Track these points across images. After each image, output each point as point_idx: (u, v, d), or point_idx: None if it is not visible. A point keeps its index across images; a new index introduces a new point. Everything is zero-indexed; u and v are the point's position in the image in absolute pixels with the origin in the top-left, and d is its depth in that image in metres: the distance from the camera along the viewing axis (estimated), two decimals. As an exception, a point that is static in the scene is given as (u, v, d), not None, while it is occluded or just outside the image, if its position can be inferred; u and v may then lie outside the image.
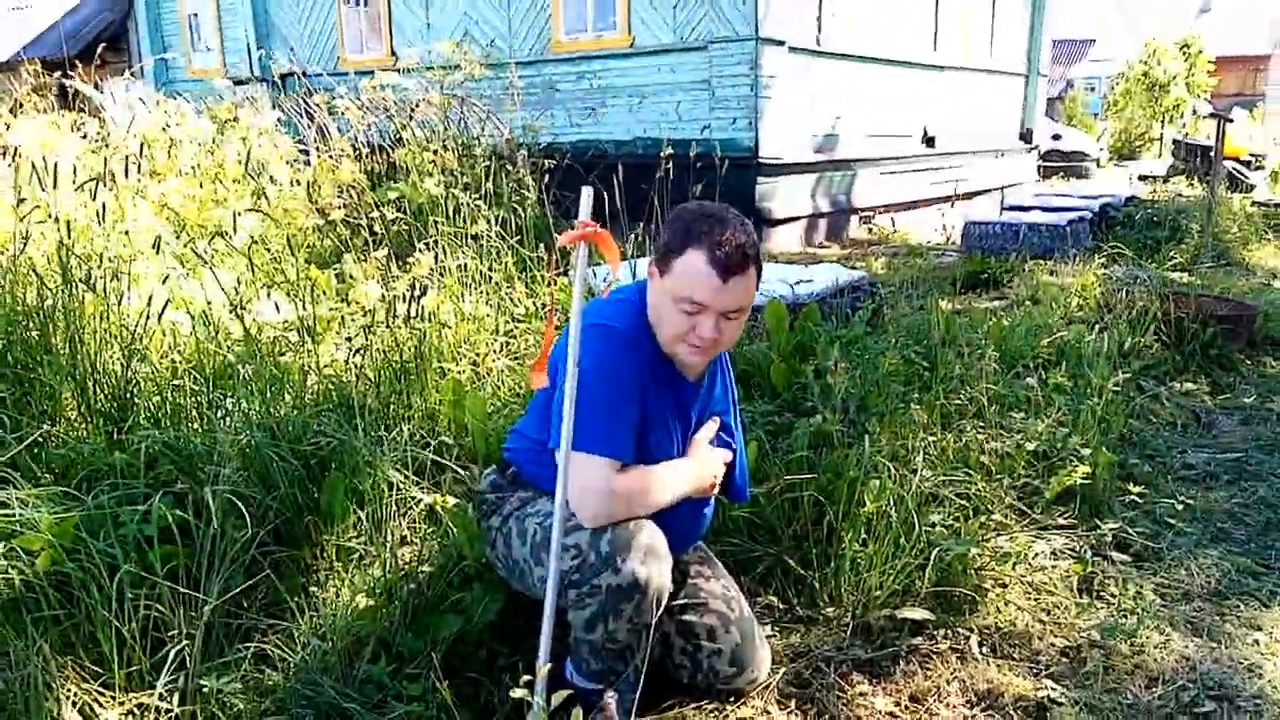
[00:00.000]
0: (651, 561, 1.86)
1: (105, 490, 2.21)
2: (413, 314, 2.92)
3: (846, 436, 2.95)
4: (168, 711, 1.91)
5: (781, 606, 2.56)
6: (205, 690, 1.95)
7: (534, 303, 3.80)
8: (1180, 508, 3.03)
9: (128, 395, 2.69)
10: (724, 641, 2.15)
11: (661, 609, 1.93)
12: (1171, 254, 7.30)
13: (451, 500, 2.36)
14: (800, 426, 2.97)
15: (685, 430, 2.09)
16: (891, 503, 2.57)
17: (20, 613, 1.93)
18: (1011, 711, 2.17)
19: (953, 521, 2.67)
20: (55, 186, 2.97)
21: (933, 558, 2.52)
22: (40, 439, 2.43)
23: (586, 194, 1.85)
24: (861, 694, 2.24)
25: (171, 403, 2.71)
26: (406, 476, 2.45)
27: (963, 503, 2.74)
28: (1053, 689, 2.26)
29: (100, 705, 1.90)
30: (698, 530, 2.26)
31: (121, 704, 1.90)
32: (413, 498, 2.42)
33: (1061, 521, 2.97)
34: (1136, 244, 7.86)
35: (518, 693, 1.37)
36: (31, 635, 1.89)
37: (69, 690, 1.87)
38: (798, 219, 9.04)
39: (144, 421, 2.60)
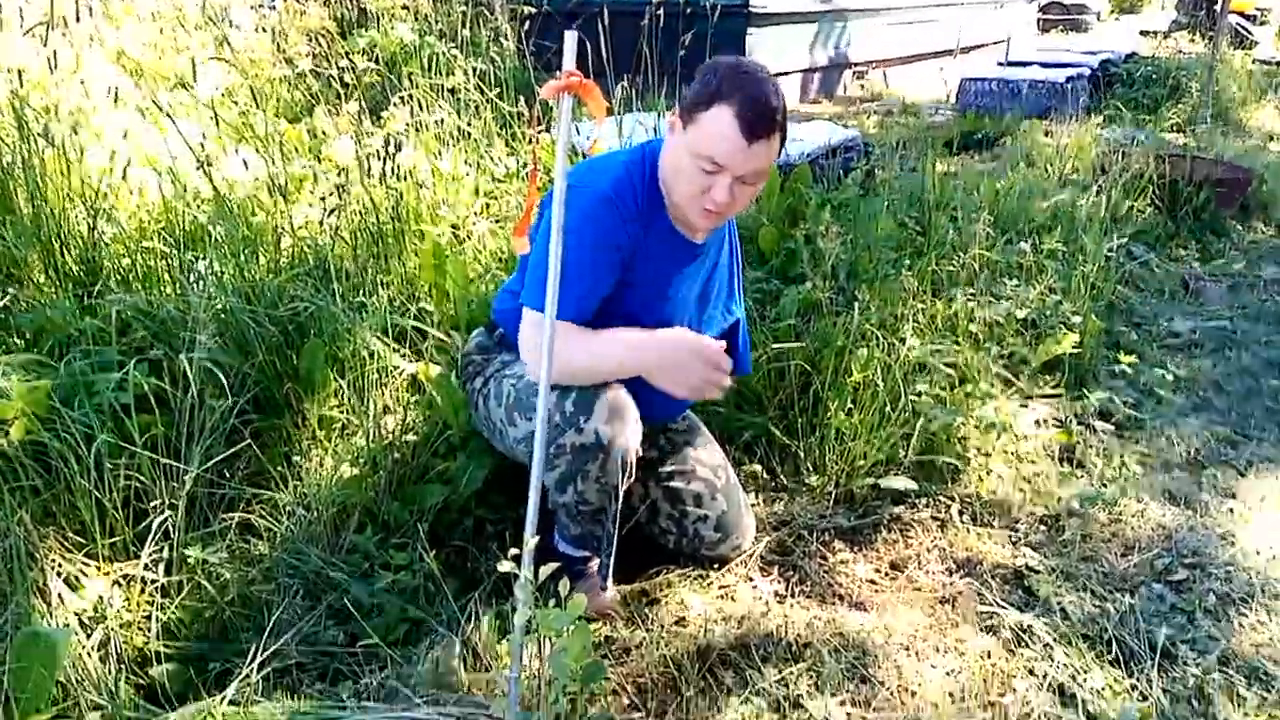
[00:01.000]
0: (615, 421, 1.84)
1: (78, 357, 2.14)
2: (388, 172, 2.79)
3: (835, 304, 2.91)
4: (153, 581, 1.91)
5: (765, 475, 2.57)
6: (190, 560, 1.95)
7: (515, 161, 3.66)
8: (1165, 376, 3.03)
9: (96, 258, 2.59)
10: (710, 508, 2.16)
11: (629, 470, 1.91)
12: (1170, 114, 7.13)
13: (434, 369, 2.32)
14: (788, 294, 2.92)
15: (687, 293, 2.03)
16: (879, 372, 2.55)
17: (-4, 484, 1.89)
18: (989, 578, 2.22)
19: (939, 391, 2.67)
20: (1, 30, 2.77)
21: (918, 427, 2.52)
22: (7, 304, 2.34)
23: (570, 40, 1.71)
24: (843, 561, 2.28)
25: (142, 265, 2.61)
26: (387, 344, 2.39)
27: (949, 372, 2.72)
28: (1030, 556, 2.30)
29: (85, 575, 1.89)
30: (684, 400, 2.24)
31: (107, 574, 1.90)
32: (395, 366, 2.38)
33: (1047, 391, 2.97)
34: (1135, 102, 7.67)
35: (505, 566, 1.36)
36: (10, 506, 1.86)
37: (53, 560, 1.86)
38: (790, 73, 8.72)
39: (114, 285, 2.50)
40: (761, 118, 1.75)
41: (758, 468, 2.57)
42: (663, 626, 2.01)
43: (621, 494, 1.95)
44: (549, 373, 1.66)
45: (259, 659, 1.80)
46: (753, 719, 1.76)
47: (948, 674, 1.92)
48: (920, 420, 2.52)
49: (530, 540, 1.59)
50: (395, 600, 1.96)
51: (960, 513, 2.45)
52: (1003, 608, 2.10)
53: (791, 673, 1.87)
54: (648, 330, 1.89)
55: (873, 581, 2.22)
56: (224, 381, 2.10)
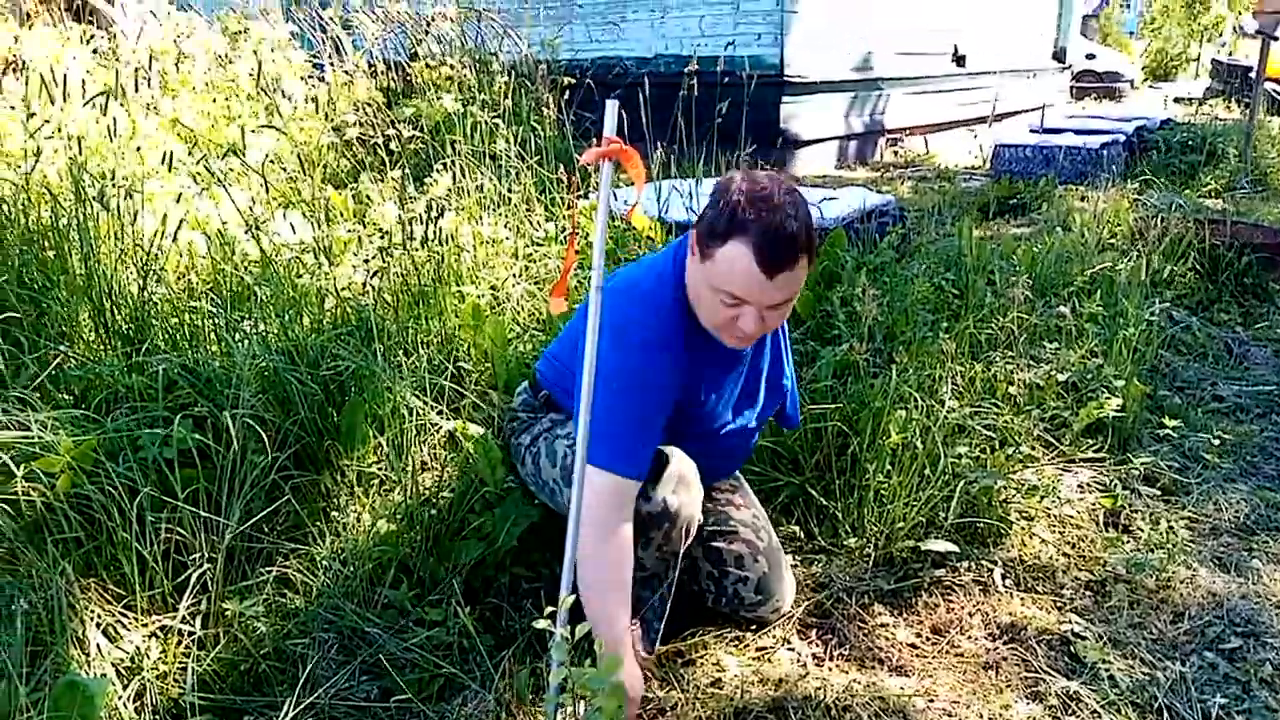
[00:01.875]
0: (682, 491, 1.85)
1: (124, 413, 2.19)
2: (430, 236, 2.85)
3: (872, 366, 2.90)
4: (190, 633, 1.92)
5: (803, 536, 2.55)
6: (228, 613, 1.96)
7: (554, 226, 3.72)
8: (1212, 441, 2.97)
9: (145, 317, 2.65)
10: (751, 570, 2.14)
11: (691, 538, 1.92)
12: (1207, 180, 7.10)
13: (472, 427, 2.34)
14: (825, 355, 2.92)
15: (729, 394, 2.02)
16: (917, 433, 2.53)
17: (42, 535, 1.92)
18: (1035, 644, 2.16)
19: (979, 453, 2.64)
20: (66, 100, 2.90)
21: (958, 490, 2.48)
22: (58, 361, 2.40)
23: (611, 108, 1.76)
24: (883, 625, 2.23)
25: (189, 325, 2.67)
26: (425, 402, 2.41)
27: (990, 434, 2.70)
28: (1077, 622, 2.24)
29: (125, 626, 1.90)
30: (737, 465, 2.24)
31: (145, 625, 1.91)
32: (432, 423, 2.40)
33: (1090, 455, 2.92)
34: (1171, 169, 7.65)
35: (541, 624, 1.35)
36: (54, 557, 1.89)
37: (93, 611, 1.88)
38: (824, 140, 8.84)
39: (162, 344, 2.56)
40: (781, 250, 1.66)
41: (795, 529, 2.54)
42: (698, 688, 1.98)
43: (680, 562, 1.96)
44: (584, 438, 1.68)
45: (293, 712, 1.79)
46: (791, 785, 1.72)
47: (992, 743, 1.86)
48: (960, 483, 2.49)
49: (566, 599, 1.58)
50: (429, 656, 1.95)
51: (1003, 577, 2.40)
52: (1049, 674, 2.04)
53: (830, 738, 1.83)
54: (625, 647, 1.78)
55: (914, 646, 2.17)
56: (265, 437, 2.13)
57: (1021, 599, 2.33)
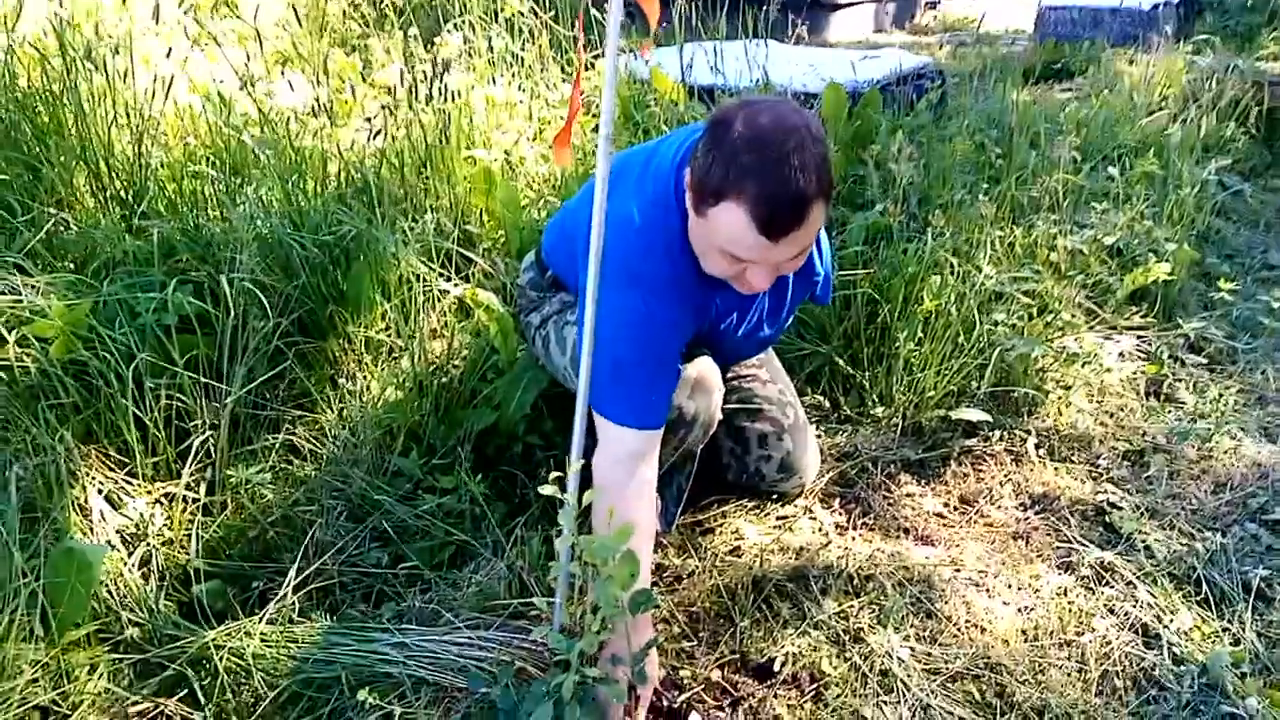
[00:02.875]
0: (699, 395, 1.74)
1: (121, 279, 2.10)
2: (436, 94, 2.69)
3: (906, 231, 2.74)
4: (194, 500, 1.87)
5: (829, 406, 2.45)
6: (233, 480, 1.91)
7: (570, 87, 3.53)
8: (1272, 306, 2.82)
9: (142, 181, 2.55)
10: (775, 449, 2.05)
11: (709, 437, 1.82)
12: (1267, 42, 6.67)
13: (483, 293, 2.23)
14: (856, 220, 2.76)
15: (762, 295, 1.79)
16: (952, 300, 2.40)
17: (38, 402, 1.86)
18: (1067, 514, 2.07)
19: (1016, 321, 2.50)
20: (47, -47, 2.72)
21: (993, 358, 2.37)
22: (52, 226, 2.31)
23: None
24: (909, 494, 2.16)
25: (189, 189, 2.56)
26: (432, 269, 2.31)
27: (1029, 301, 2.56)
28: (1112, 492, 2.15)
29: (128, 494, 1.86)
30: (764, 349, 2.11)
31: (149, 493, 1.87)
32: (441, 290, 2.30)
33: (1134, 322, 2.78)
34: (1228, 31, 7.20)
35: (547, 489, 1.27)
36: (51, 424, 1.84)
37: (94, 478, 1.83)
38: (859, 3, 8.39)
39: (161, 210, 2.46)
40: (784, 212, 1.38)
41: (821, 398, 2.45)
42: (716, 556, 1.92)
43: (699, 454, 1.86)
44: (590, 319, 1.56)
45: (300, 579, 1.76)
46: (810, 651, 1.67)
47: (1020, 611, 1.80)
48: (996, 351, 2.37)
49: (575, 463, 1.50)
50: (440, 524, 1.90)
51: (1037, 447, 2.30)
52: (1081, 544, 1.96)
53: (852, 606, 1.77)
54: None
55: (940, 515, 2.10)
56: (266, 303, 2.04)
57: (1055, 469, 2.24)
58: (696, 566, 1.87)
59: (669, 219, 1.59)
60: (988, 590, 1.85)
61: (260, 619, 1.64)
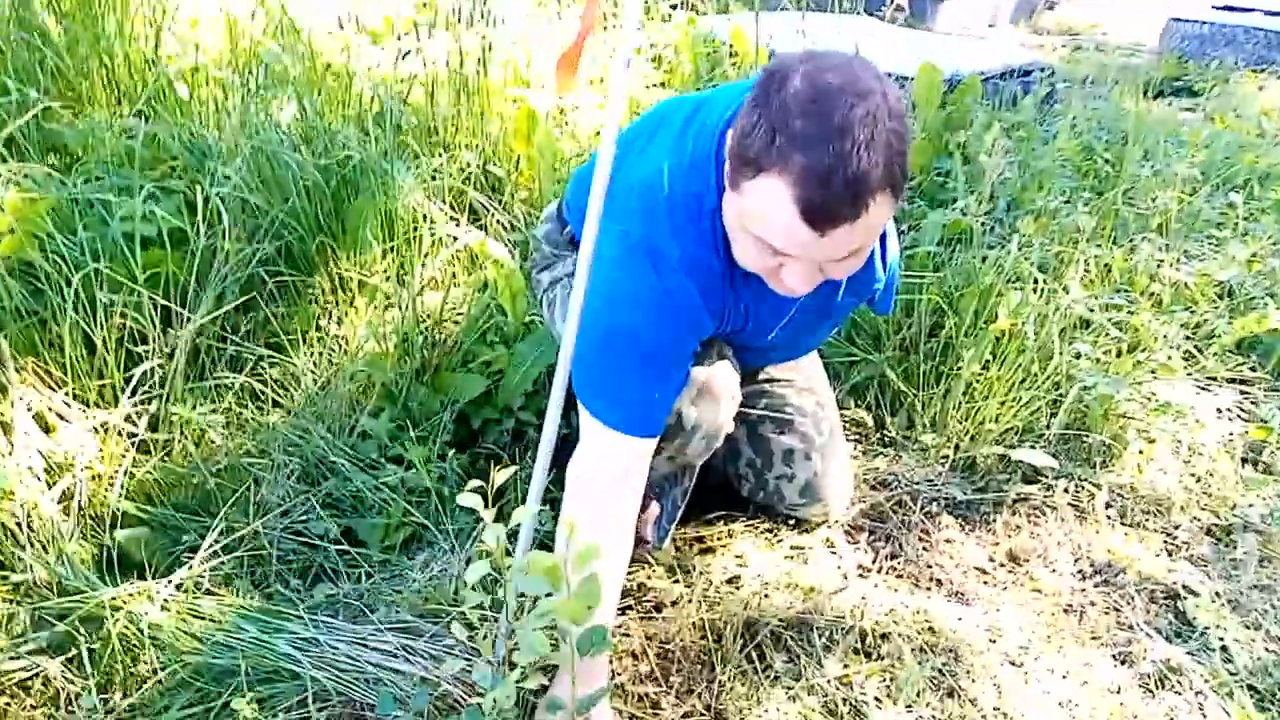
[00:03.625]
0: (704, 403, 1.45)
1: (95, 177, 1.89)
2: (484, 15, 2.43)
3: (988, 236, 2.41)
4: (134, 436, 1.66)
5: (871, 424, 2.15)
6: (179, 418, 1.69)
7: (644, 37, 3.24)
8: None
9: (155, 81, 2.33)
10: (800, 469, 1.76)
11: (710, 452, 1.53)
12: None
13: (495, 246, 1.97)
14: (932, 218, 2.44)
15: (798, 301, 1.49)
16: (1030, 322, 2.08)
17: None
18: (1133, 592, 1.76)
19: (1102, 355, 2.17)
20: None
21: (1069, 395, 2.04)
22: (46, 115, 2.11)
23: None
24: (949, 541, 1.86)
25: (203, 96, 2.35)
26: (446, 213, 2.06)
27: (1119, 334, 2.22)
28: (1189, 573, 1.82)
29: (62, 418, 1.66)
30: (802, 354, 1.81)
31: (85, 417, 1.66)
32: (450, 237, 2.04)
33: (1240, 375, 2.41)
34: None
35: (466, 499, 1.02)
36: (-14, 326, 1.64)
37: (24, 394, 1.63)
38: (972, -4, 7.89)
39: (165, 113, 2.25)
40: (836, 197, 1.08)
41: (864, 414, 2.15)
42: (711, 584, 1.65)
43: (698, 470, 1.58)
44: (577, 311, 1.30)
45: (234, 538, 1.54)
46: (800, 720, 1.39)
47: (1062, 706, 1.50)
48: (1073, 386, 2.05)
49: (532, 507, 1.25)
50: (400, 501, 1.66)
51: (1107, 505, 1.97)
52: (1146, 632, 1.65)
53: (859, 670, 1.48)
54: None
55: (982, 571, 1.80)
56: (249, 225, 1.82)
57: (1125, 534, 1.91)
58: (684, 594, 1.60)
59: (704, 190, 1.30)
60: (1026, 673, 1.55)
61: (169, 582, 1.42)
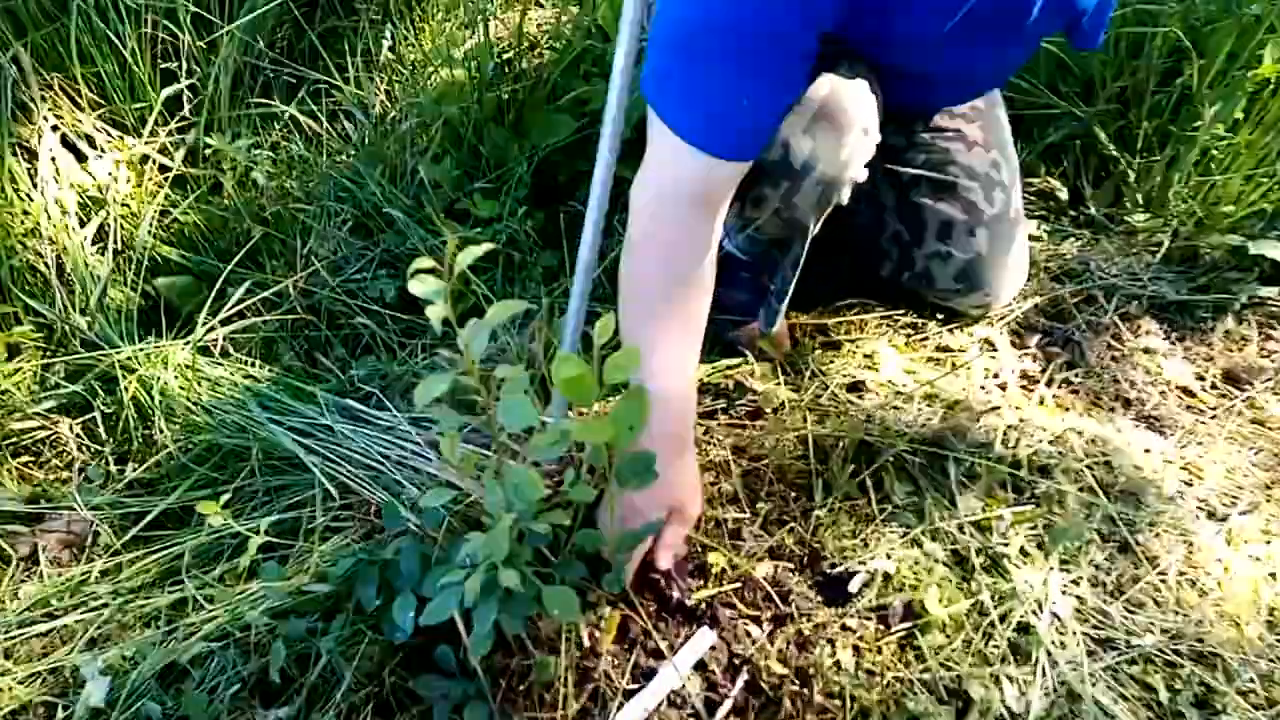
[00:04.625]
0: (820, 132, 1.06)
1: None
2: None
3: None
4: (165, 169, 1.45)
5: (1064, 198, 1.70)
6: (217, 151, 1.46)
7: None
8: None
9: None
10: (960, 246, 1.37)
11: (828, 208, 1.16)
12: None
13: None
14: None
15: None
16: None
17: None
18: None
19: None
20: None
21: (1348, 172, 1.53)
22: None
23: None
24: (1147, 351, 1.46)
25: None
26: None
27: None
28: None
29: (94, 145, 1.46)
30: (983, 89, 1.38)
31: (119, 149, 1.45)
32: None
33: None
34: None
35: (418, 285, 0.74)
36: (5, 33, 1.42)
37: (50, 116, 1.43)
38: None
39: None
40: None
41: (1055, 183, 1.70)
42: (825, 388, 1.34)
43: (813, 234, 1.21)
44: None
45: (272, 293, 1.34)
46: (915, 572, 1.10)
47: (1271, 578, 1.15)
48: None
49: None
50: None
51: (1374, 321, 1.50)
52: None
53: (1001, 514, 1.17)
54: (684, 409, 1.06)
55: (1188, 393, 1.40)
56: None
57: (1396, 361, 1.45)
58: (789, 400, 1.30)
59: None
60: (1229, 530, 1.19)
61: (187, 344, 1.24)
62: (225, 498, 1.02)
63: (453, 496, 0.90)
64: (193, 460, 1.15)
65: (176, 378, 1.18)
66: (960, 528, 1.14)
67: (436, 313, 0.72)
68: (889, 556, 1.09)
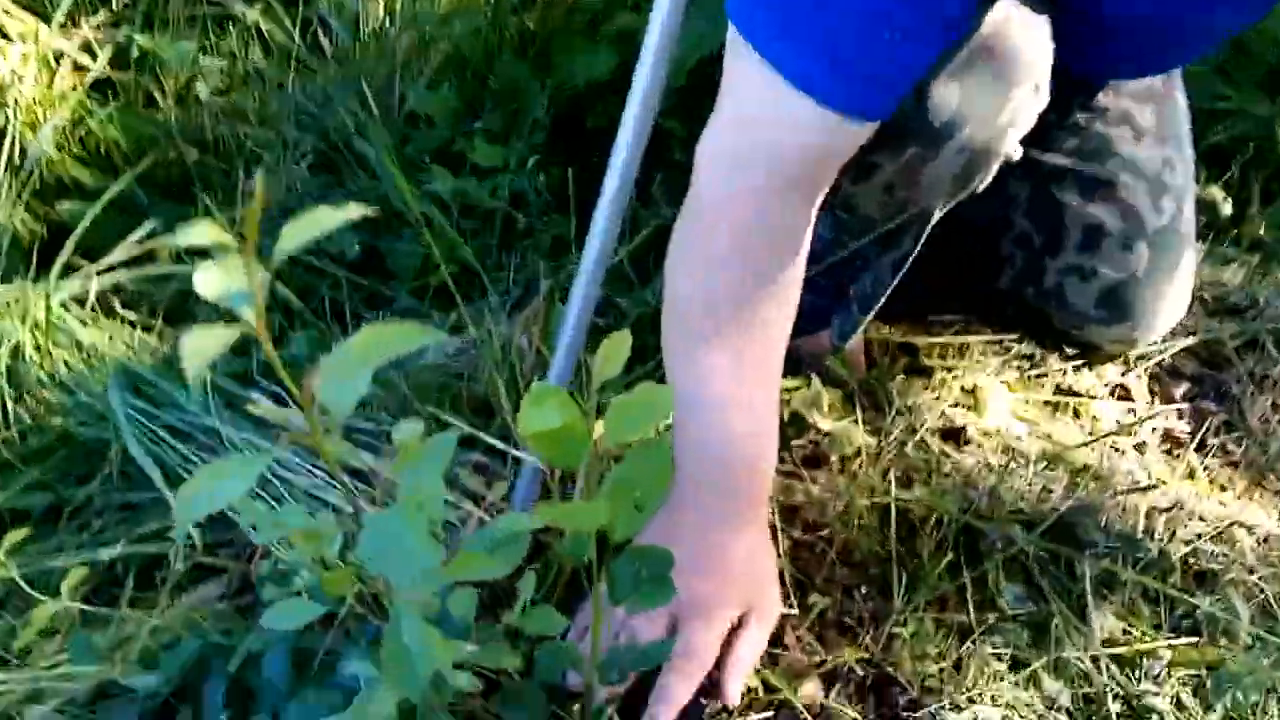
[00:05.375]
0: (975, 79, 0.73)
1: None
2: None
3: None
4: (80, 68, 1.14)
5: (1226, 212, 1.34)
6: (149, 52, 1.15)
7: None
8: None
9: None
10: (1110, 263, 1.01)
11: (967, 191, 0.82)
12: None
13: None
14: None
15: None
16: None
17: None
18: None
19: None
20: None
21: None
22: None
23: None
24: (1335, 421, 1.10)
25: None
26: None
27: None
28: None
29: (3, 35, 1.15)
30: (1175, 60, 1.05)
31: (25, 40, 1.15)
32: None
33: None
34: None
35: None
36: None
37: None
38: None
39: None
40: None
41: (1218, 194, 1.33)
42: (915, 433, 0.99)
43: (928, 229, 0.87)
44: None
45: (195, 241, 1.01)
46: (1028, 710, 0.76)
47: None
48: None
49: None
50: (445, 224, 1.08)
51: None
52: None
53: (1150, 648, 0.82)
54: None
55: None
56: None
57: None
58: (866, 445, 0.95)
59: None
60: None
61: (59, 294, 0.93)
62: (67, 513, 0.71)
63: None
64: (33, 453, 0.84)
65: (32, 337, 0.88)
66: (1095, 660, 0.79)
67: (216, 341, 0.36)
68: (994, 700, 0.75)
